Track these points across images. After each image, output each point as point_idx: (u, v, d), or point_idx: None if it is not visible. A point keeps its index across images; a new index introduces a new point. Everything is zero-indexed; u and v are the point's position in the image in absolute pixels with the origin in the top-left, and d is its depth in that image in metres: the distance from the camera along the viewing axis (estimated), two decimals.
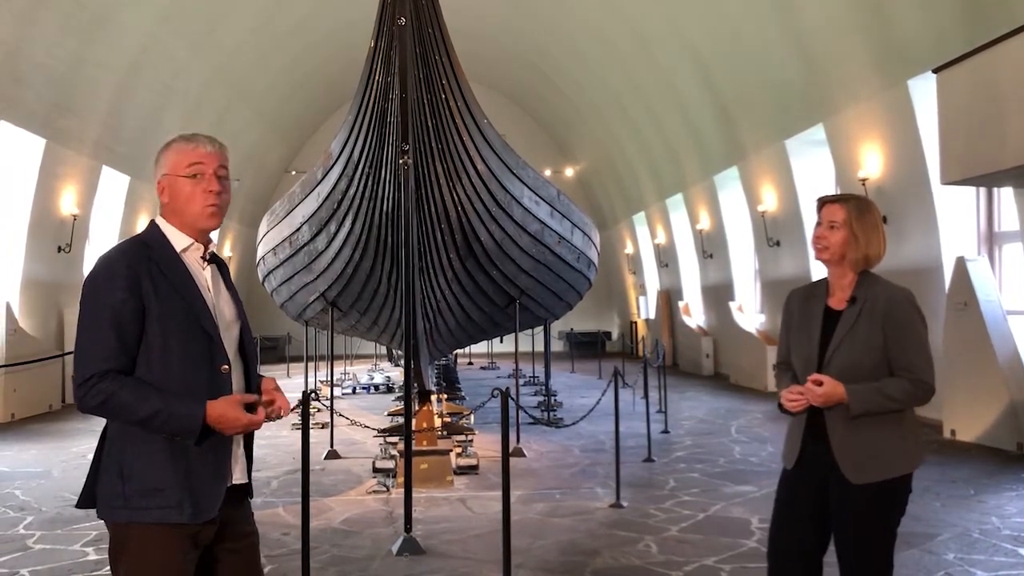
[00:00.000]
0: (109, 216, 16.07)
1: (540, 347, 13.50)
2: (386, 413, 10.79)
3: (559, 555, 5.28)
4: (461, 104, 6.28)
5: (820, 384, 2.95)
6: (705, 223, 18.51)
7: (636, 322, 25.30)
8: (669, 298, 21.95)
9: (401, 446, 7.37)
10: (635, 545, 5.42)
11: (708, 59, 14.97)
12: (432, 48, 5.78)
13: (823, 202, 3.22)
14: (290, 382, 16.02)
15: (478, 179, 6.85)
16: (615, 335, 26.96)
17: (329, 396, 9.24)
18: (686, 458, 8.57)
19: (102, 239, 15.91)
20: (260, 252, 10.74)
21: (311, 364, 13.49)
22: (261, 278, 11.35)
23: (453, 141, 6.34)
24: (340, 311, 8.87)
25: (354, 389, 15.43)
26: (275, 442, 9.58)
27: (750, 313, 16.99)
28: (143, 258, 2.41)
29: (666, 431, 10.20)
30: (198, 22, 15.77)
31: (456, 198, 6.71)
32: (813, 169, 13.87)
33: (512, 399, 4.92)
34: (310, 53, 21.12)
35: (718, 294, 18.34)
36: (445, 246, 7.05)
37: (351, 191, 6.90)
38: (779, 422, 11.19)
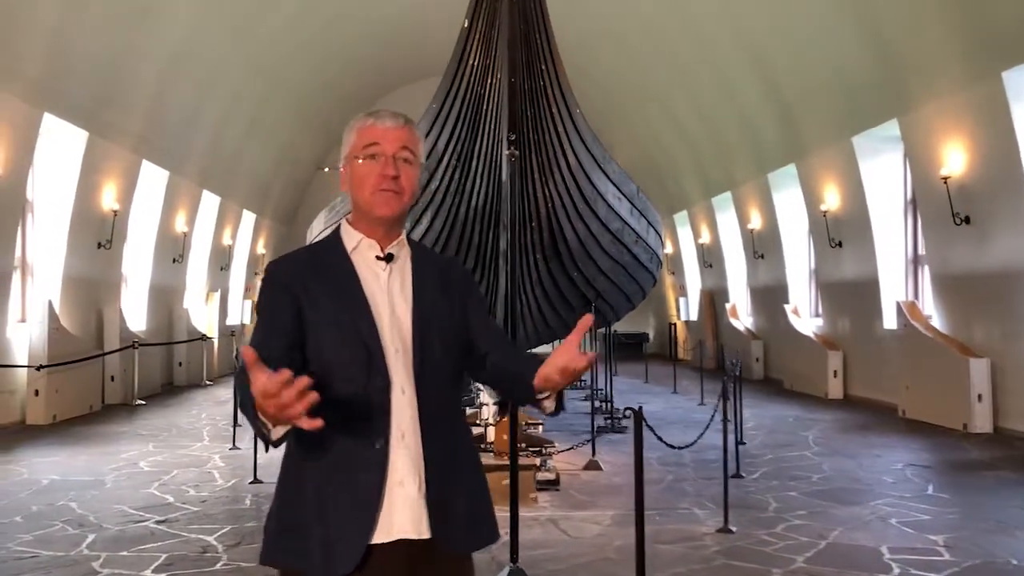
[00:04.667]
0: (148, 212, 15.67)
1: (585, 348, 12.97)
2: None
3: None
4: (558, 91, 5.79)
5: None
6: (756, 222, 17.92)
7: (675, 324, 24.70)
8: (713, 299, 21.37)
9: (485, 459, 6.89)
10: None
11: (766, 50, 14.35)
12: (535, 28, 5.29)
13: None
14: None
15: (568, 174, 6.36)
16: (651, 336, 26.40)
17: None
18: (775, 474, 8.03)
19: (140, 235, 15.53)
20: None
21: None
22: None
23: (548, 132, 5.85)
24: None
25: None
26: None
27: (805, 316, 16.40)
28: (304, 262, 2.13)
29: (742, 442, 9.65)
30: (239, 12, 15.34)
31: (547, 194, 6.22)
32: (882, 167, 13.27)
33: (644, 419, 4.40)
34: (346, 48, 20.65)
35: (769, 296, 17.74)
36: (533, 246, 6.57)
37: (431, 185, 6.41)
38: (853, 432, 10.66)
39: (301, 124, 22.97)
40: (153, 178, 15.46)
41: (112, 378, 13.57)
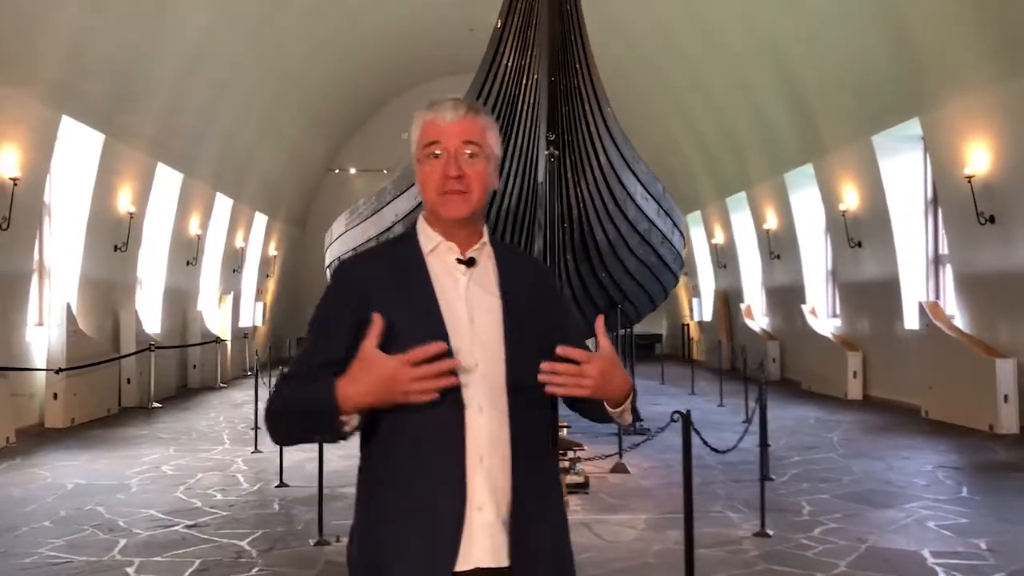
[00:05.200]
0: (162, 215, 15.64)
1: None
2: None
3: None
4: (591, 90, 5.72)
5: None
6: (772, 223, 17.82)
7: (688, 324, 24.61)
8: (727, 300, 21.28)
9: None
10: None
11: (784, 50, 14.26)
12: (571, 27, 5.22)
13: None
14: None
15: (600, 174, 6.29)
16: (664, 337, 26.32)
17: None
18: (804, 476, 7.95)
19: (155, 238, 15.50)
20: (336, 251, 10.23)
21: None
22: None
23: (581, 132, 5.77)
24: None
25: None
26: (349, 452, 9.02)
27: (822, 316, 16.30)
28: (378, 263, 1.97)
29: (767, 444, 9.54)
30: (254, 13, 15.30)
31: (579, 195, 6.15)
32: (903, 166, 13.17)
33: (691, 423, 4.33)
34: (358, 50, 20.63)
35: (786, 296, 17.65)
36: (563, 247, 6.49)
37: None
38: (877, 434, 10.56)
39: (312, 126, 22.96)
40: (168, 181, 15.43)
41: (128, 381, 13.54)
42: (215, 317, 18.73)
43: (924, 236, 13.20)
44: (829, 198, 15.00)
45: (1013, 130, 10.12)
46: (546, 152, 4.88)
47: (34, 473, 8.28)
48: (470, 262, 1.94)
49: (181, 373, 16.49)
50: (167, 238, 15.86)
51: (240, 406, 13.88)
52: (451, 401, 1.80)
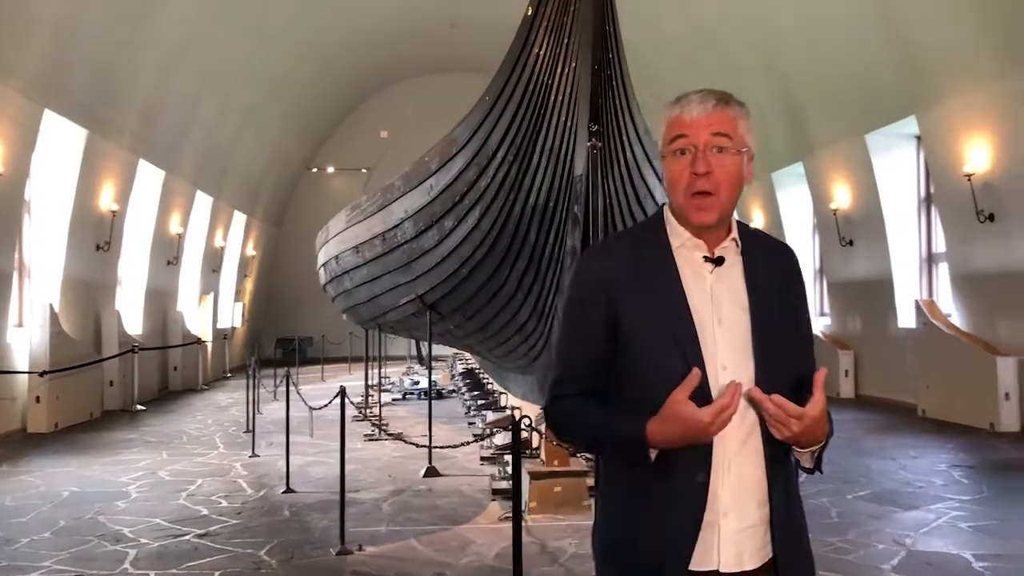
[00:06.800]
0: (143, 213, 15.24)
1: None
2: (486, 426, 9.96)
3: None
4: (620, 80, 5.53)
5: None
6: (759, 222, 17.79)
7: None
8: None
9: (530, 466, 6.64)
10: None
11: (777, 47, 14.20)
12: (608, 13, 5.03)
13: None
14: (328, 387, 15.22)
15: (625, 169, 6.09)
16: None
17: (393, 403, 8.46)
18: (819, 477, 7.80)
19: (136, 237, 15.09)
20: (332, 250, 9.95)
21: (360, 367, 12.71)
22: (327, 278, 10.58)
23: (615, 123, 5.58)
24: (439, 315, 8.08)
25: (404, 395, 14.63)
26: (354, 456, 8.79)
27: (812, 315, 16.26)
28: (623, 255, 1.88)
29: None
30: (238, 10, 14.96)
31: (607, 191, 5.95)
32: (896, 165, 13.17)
33: None
34: (339, 47, 20.33)
35: None
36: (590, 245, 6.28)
37: (482, 182, 6.14)
38: (879, 433, 10.39)
39: (293, 123, 22.61)
40: (149, 178, 15.04)
41: (111, 383, 13.16)
42: (195, 318, 18.33)
43: (917, 234, 13.20)
44: (820, 197, 14.97)
45: (1013, 128, 10.11)
46: (588, 143, 4.69)
47: (24, 481, 7.94)
48: (718, 261, 1.87)
49: (162, 375, 16.09)
50: (149, 237, 15.46)
51: (226, 409, 13.55)
52: (700, 402, 1.72)
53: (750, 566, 1.79)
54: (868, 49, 12.01)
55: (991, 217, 10.54)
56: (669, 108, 1.87)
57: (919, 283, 13.13)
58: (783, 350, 1.83)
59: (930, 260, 13.07)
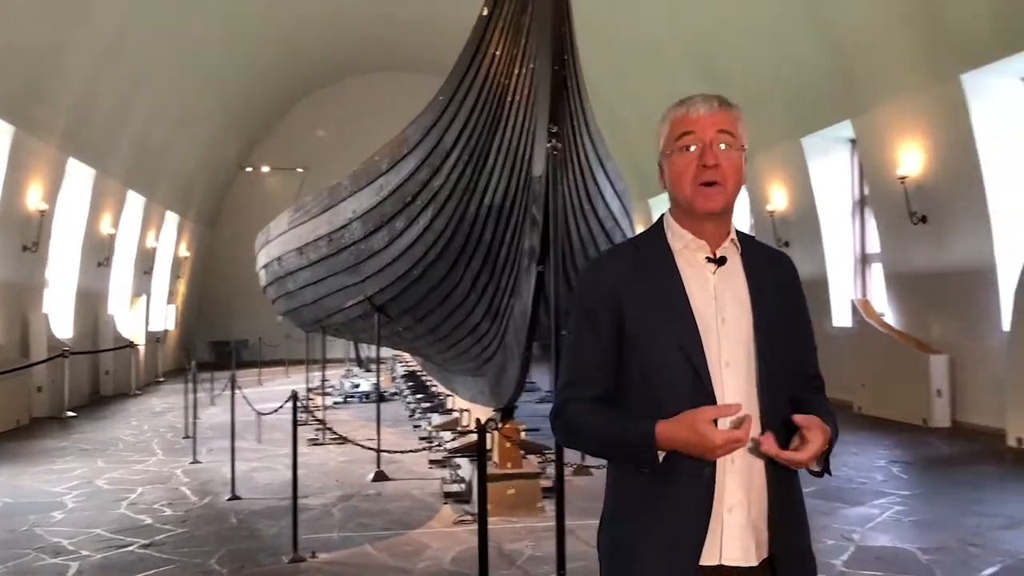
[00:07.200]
0: (73, 213, 14.74)
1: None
2: (430, 427, 9.87)
3: None
4: (575, 81, 5.53)
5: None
6: None
7: None
8: None
9: (493, 469, 6.60)
10: None
11: (713, 53, 14.43)
12: (565, 14, 5.03)
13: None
14: (267, 390, 14.97)
15: (578, 169, 6.12)
16: None
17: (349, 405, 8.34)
18: None
19: (65, 237, 14.60)
20: (275, 251, 9.76)
21: (298, 370, 12.48)
22: (268, 279, 10.37)
23: (569, 125, 5.58)
24: (388, 317, 7.98)
25: (345, 398, 14.43)
26: (300, 461, 8.60)
27: None
28: (624, 261, 1.96)
29: None
30: (171, 5, 14.57)
31: (562, 191, 5.95)
32: (831, 167, 13.49)
33: None
34: (274, 45, 19.95)
35: None
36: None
37: (435, 182, 6.09)
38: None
39: (227, 122, 22.11)
40: (79, 177, 14.56)
41: (40, 389, 12.70)
42: (127, 320, 17.81)
43: (852, 235, 13.54)
44: (756, 199, 15.25)
45: (945, 132, 10.43)
46: (547, 145, 4.67)
47: None
48: (720, 261, 1.92)
49: (93, 379, 15.56)
50: (79, 238, 14.96)
51: (161, 414, 13.19)
52: (704, 400, 1.80)
53: (753, 561, 1.83)
54: (805, 55, 12.28)
55: (924, 219, 10.86)
56: (673, 109, 1.95)
57: (854, 283, 13.47)
58: (785, 348, 1.91)
59: (864, 260, 13.41)
